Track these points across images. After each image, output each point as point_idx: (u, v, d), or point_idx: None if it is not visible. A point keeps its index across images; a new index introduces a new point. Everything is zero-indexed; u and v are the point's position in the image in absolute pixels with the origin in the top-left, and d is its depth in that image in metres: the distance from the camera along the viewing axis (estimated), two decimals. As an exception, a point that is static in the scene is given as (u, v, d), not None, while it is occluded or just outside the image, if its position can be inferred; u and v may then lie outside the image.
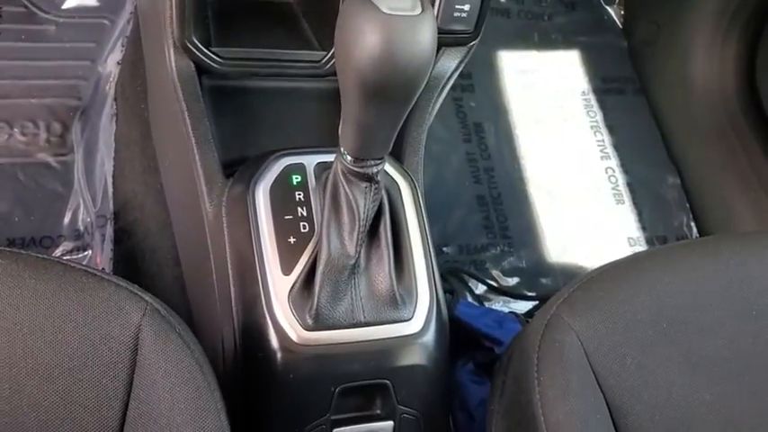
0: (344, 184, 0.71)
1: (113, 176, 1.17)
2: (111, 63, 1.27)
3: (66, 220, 1.16)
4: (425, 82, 0.62)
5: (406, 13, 0.58)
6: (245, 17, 0.93)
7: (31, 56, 1.27)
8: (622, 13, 1.68)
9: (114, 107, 1.21)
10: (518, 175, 1.44)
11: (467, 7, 0.88)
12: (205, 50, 0.84)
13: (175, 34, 0.82)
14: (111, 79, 1.25)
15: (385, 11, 0.58)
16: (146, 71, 1.14)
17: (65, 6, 1.31)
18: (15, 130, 1.21)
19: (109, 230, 1.14)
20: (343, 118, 0.66)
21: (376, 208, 0.72)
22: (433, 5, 0.86)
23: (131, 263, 1.13)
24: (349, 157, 0.68)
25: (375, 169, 0.69)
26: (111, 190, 1.16)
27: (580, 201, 1.47)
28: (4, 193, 1.16)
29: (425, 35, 0.59)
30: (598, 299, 0.74)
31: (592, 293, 0.75)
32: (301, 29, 0.95)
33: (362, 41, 0.58)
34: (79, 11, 1.31)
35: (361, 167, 0.69)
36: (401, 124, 0.66)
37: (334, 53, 0.87)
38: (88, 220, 1.15)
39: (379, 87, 0.60)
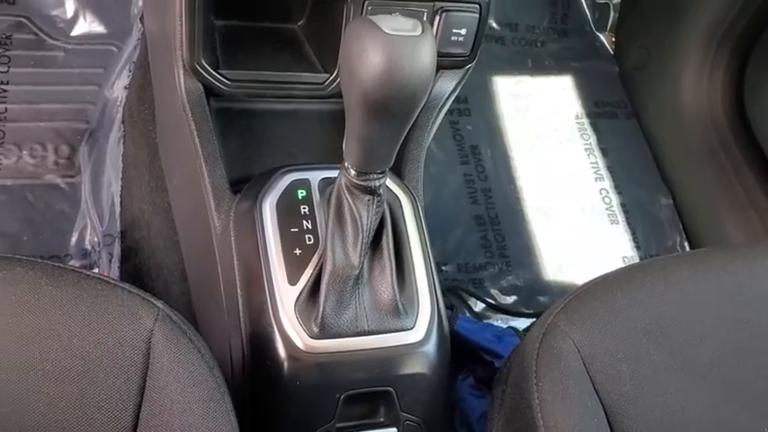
0: (348, 197, 0.74)
1: (121, 196, 1.20)
2: (118, 88, 1.30)
3: (74, 239, 1.18)
4: (425, 98, 0.66)
5: (408, 33, 0.62)
6: (252, 42, 0.97)
7: (40, 81, 1.31)
8: (613, 39, 1.73)
9: (122, 130, 1.25)
10: (515, 196, 1.47)
11: (463, 31, 0.92)
12: (213, 73, 0.88)
13: (185, 57, 0.86)
14: (119, 103, 1.28)
15: (387, 31, 0.61)
16: (154, 94, 1.17)
17: (73, 33, 1.35)
18: (24, 152, 1.24)
19: (116, 249, 1.17)
20: (348, 133, 0.70)
21: (378, 220, 0.75)
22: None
23: (138, 280, 1.15)
24: (353, 171, 0.72)
25: (378, 182, 0.72)
26: (118, 209, 1.19)
27: (575, 221, 1.50)
28: (13, 213, 1.19)
29: (426, 54, 0.62)
30: (594, 308, 0.76)
31: (588, 303, 0.77)
32: (305, 53, 0.98)
33: (366, 60, 0.61)
34: (87, 38, 1.36)
35: (365, 181, 0.72)
36: (402, 139, 0.70)
37: (338, 74, 0.91)
38: (95, 239, 1.18)
39: (382, 103, 0.63)
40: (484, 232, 1.41)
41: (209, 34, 0.88)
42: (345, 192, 0.74)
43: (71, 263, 1.17)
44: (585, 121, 1.62)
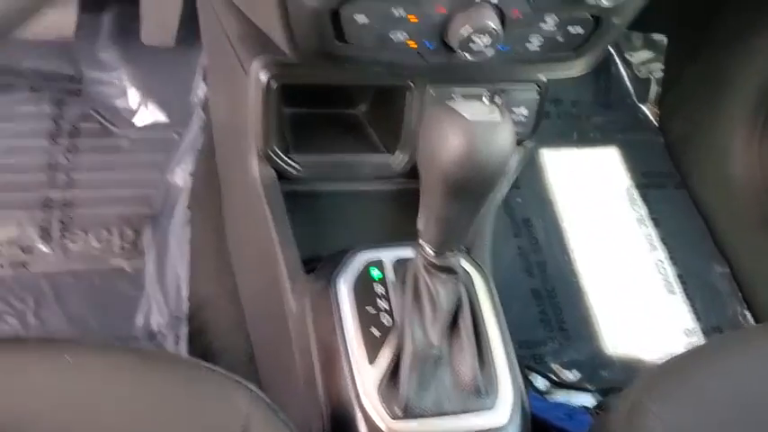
0: (425, 276, 0.75)
1: (188, 279, 1.23)
2: (181, 173, 1.35)
3: (140, 322, 1.20)
4: (504, 179, 0.68)
5: (486, 118, 0.65)
6: (318, 127, 1.00)
7: (106, 168, 1.37)
8: (657, 111, 1.75)
9: (188, 214, 1.28)
10: (569, 268, 1.47)
11: (524, 111, 0.95)
12: (285, 158, 0.91)
13: (259, 145, 0.89)
14: (182, 188, 1.33)
15: (468, 117, 0.64)
16: (220, 179, 1.21)
17: (137, 122, 1.42)
18: (91, 237, 1.28)
19: (183, 331, 1.18)
20: (424, 213, 0.71)
21: (456, 298, 0.76)
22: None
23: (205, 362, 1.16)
24: (430, 250, 0.73)
25: (455, 260, 0.73)
26: (185, 292, 1.21)
27: (632, 292, 1.48)
28: (80, 298, 1.22)
29: (505, 138, 0.65)
30: (678, 385, 0.75)
31: (671, 379, 0.76)
32: (368, 136, 1.02)
33: (448, 144, 0.64)
34: (150, 126, 1.42)
35: (442, 260, 0.73)
36: (478, 217, 0.71)
37: (401, 155, 0.94)
38: (161, 321, 1.19)
39: (462, 185, 0.65)
40: (541, 306, 1.40)
41: (279, 122, 0.92)
42: (422, 270, 0.75)
43: (138, 345, 1.18)
44: (635, 191, 1.62)
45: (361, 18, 0.72)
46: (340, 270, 0.82)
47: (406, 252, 0.82)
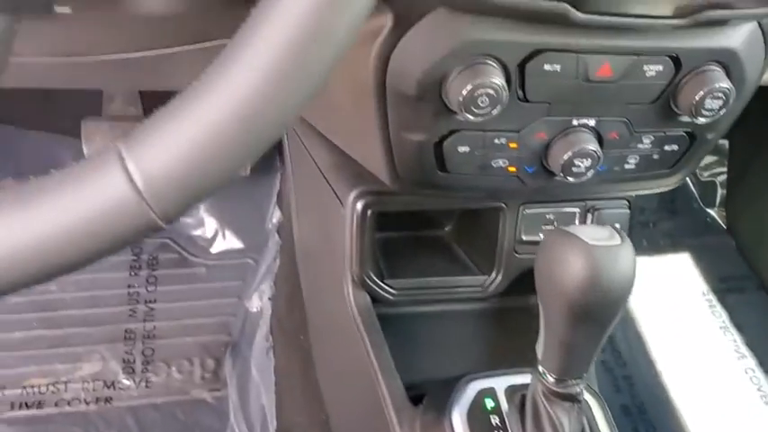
0: (546, 405, 0.72)
1: (274, 409, 1.20)
2: (258, 299, 1.35)
3: (225, 455, 1.17)
4: (627, 303, 0.66)
5: (607, 242, 0.64)
6: (407, 250, 1.01)
7: (184, 297, 1.38)
8: (724, 214, 1.74)
9: (270, 340, 1.28)
10: (657, 381, 1.41)
11: (617, 226, 0.95)
12: (380, 283, 0.91)
13: (354, 271, 0.89)
14: (261, 314, 1.33)
15: (588, 242, 0.64)
16: (305, 305, 1.21)
17: (213, 250, 1.44)
18: (173, 368, 1.28)
19: (271, 463, 1.15)
20: (545, 339, 0.70)
21: (580, 428, 0.73)
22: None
23: None
24: (551, 378, 0.70)
25: (578, 388, 0.71)
26: (273, 424, 1.18)
27: (725, 405, 1.41)
28: (164, 432, 1.20)
29: (627, 261, 0.64)
30: None
31: None
32: (457, 256, 1.02)
33: (570, 269, 0.63)
34: (226, 253, 1.44)
35: (564, 387, 0.70)
36: (603, 343, 0.69)
37: (495, 275, 0.93)
38: (247, 453, 1.16)
39: (586, 310, 0.64)
40: (633, 423, 1.34)
41: (372, 248, 0.92)
42: (543, 399, 0.72)
43: (224, 482, 1.15)
44: (713, 297, 1.58)
45: (463, 148, 0.74)
46: (452, 402, 0.79)
47: (518, 378, 0.79)
